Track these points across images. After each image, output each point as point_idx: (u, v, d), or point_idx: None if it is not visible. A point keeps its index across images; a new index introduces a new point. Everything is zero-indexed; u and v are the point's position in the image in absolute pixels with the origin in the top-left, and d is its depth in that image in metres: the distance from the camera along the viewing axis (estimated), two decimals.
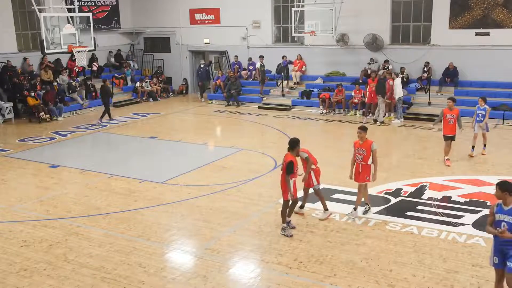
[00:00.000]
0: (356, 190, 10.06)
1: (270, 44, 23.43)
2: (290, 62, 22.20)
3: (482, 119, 13.52)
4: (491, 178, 11.82)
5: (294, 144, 8.91)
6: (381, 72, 19.20)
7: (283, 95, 21.81)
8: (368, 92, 18.65)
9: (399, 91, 17.88)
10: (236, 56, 23.72)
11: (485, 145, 13.87)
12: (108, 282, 7.55)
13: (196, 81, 24.64)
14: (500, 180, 6.23)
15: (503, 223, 6.06)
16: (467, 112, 18.00)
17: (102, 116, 19.41)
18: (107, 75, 24.41)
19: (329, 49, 21.71)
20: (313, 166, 9.64)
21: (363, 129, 9.61)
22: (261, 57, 22.31)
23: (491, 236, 8.59)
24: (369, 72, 20.11)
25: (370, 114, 18.73)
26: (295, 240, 8.80)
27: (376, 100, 18.37)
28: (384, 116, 18.36)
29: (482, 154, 13.77)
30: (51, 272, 7.87)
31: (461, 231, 8.98)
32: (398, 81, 18.03)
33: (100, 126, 18.67)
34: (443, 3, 19.37)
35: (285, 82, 21.99)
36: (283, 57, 22.14)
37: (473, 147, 13.68)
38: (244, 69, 23.70)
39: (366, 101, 18.88)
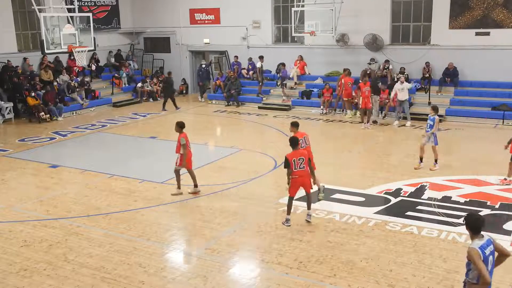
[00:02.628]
0: (357, 190, 10.08)
1: (270, 44, 23.42)
2: (288, 78, 21.96)
3: (429, 130, 12.45)
4: (491, 178, 11.83)
5: (296, 142, 9.50)
6: (379, 72, 18.99)
7: (283, 96, 21.73)
8: (361, 98, 17.45)
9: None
10: (236, 56, 23.71)
11: (436, 161, 12.52)
12: (108, 282, 7.55)
13: (197, 81, 24.61)
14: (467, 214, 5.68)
15: None
16: (466, 112, 18.14)
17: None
18: (107, 75, 24.44)
19: (329, 49, 21.70)
20: (181, 152, 10.98)
21: (291, 124, 10.72)
22: (261, 57, 22.36)
23: (492, 236, 8.63)
24: (368, 72, 20.08)
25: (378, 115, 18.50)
26: (295, 240, 8.81)
27: (371, 106, 17.59)
28: (384, 116, 18.37)
29: (430, 169, 12.43)
30: (51, 272, 7.87)
31: (461, 231, 8.96)
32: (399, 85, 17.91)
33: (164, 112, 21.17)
34: (443, 3, 19.36)
35: (284, 89, 21.78)
36: (283, 65, 22.05)
37: (420, 159, 12.63)
38: (243, 68, 23.67)
39: (360, 107, 17.66)
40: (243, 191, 11.38)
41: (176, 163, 11.00)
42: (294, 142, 9.39)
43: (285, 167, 9.34)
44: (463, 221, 5.57)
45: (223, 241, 8.87)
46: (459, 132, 16.68)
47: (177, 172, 11.07)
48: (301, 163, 9.23)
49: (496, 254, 5.53)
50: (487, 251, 5.34)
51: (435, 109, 12.66)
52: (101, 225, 9.65)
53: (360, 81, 19.61)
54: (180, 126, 11.12)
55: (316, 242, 8.72)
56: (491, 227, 8.94)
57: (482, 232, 5.43)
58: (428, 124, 12.55)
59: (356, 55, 21.08)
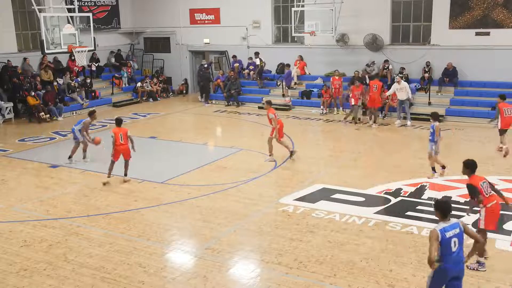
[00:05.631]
0: (357, 190, 10.06)
1: (270, 44, 23.42)
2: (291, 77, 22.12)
3: (431, 137, 11.85)
4: (491, 178, 11.73)
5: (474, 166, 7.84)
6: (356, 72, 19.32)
7: (286, 97, 21.71)
8: (369, 95, 18.02)
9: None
10: (234, 56, 23.73)
11: (433, 169, 11.98)
12: (108, 282, 7.55)
13: (197, 81, 24.59)
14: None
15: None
16: (467, 112, 18.14)
17: (206, 98, 22.98)
18: (107, 75, 24.44)
19: (329, 49, 21.68)
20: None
21: (266, 102, 14.14)
22: (257, 53, 22.71)
23: (492, 236, 8.63)
24: (360, 74, 20.08)
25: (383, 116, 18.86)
26: (295, 240, 8.81)
27: (378, 104, 18.04)
28: (384, 116, 18.40)
29: (428, 178, 11.92)
30: (51, 272, 7.87)
31: None
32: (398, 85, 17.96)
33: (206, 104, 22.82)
34: (443, 3, 19.35)
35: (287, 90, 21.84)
36: (287, 65, 22.10)
37: (443, 167, 12.04)
38: (243, 69, 23.66)
39: (368, 105, 18.24)
40: (243, 191, 11.38)
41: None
42: (473, 166, 7.77)
43: (472, 197, 7.67)
44: (433, 206, 6.04)
45: (223, 241, 8.87)
46: (459, 132, 16.68)
47: (112, 163, 11.99)
48: (487, 186, 7.68)
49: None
50: (449, 234, 5.72)
51: (433, 116, 11.92)
52: (101, 225, 9.65)
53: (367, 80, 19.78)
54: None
55: (316, 242, 8.72)
56: None
57: (453, 219, 5.86)
58: (430, 132, 12.07)
59: (356, 55, 21.06)
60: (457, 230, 5.79)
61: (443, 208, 5.89)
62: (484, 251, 7.70)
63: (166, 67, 26.00)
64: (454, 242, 5.73)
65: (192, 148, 15.62)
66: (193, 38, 25.15)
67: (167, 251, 8.61)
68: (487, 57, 18.72)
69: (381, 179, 11.98)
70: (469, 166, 7.77)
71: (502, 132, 14.02)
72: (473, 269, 7.58)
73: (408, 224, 9.38)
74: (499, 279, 7.44)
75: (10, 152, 15.16)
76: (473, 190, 7.59)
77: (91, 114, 14.01)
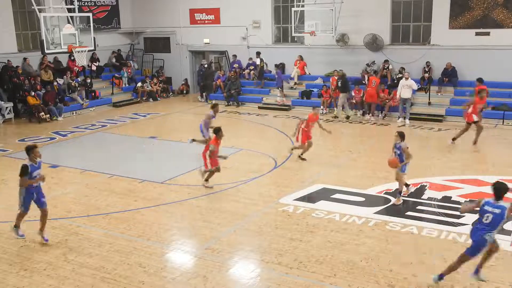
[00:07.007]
0: (357, 190, 10.04)
1: (270, 44, 23.42)
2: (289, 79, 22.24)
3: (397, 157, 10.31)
4: (491, 178, 11.79)
5: None
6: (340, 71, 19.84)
7: (278, 97, 21.68)
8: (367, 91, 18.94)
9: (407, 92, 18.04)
10: (234, 56, 23.74)
11: (400, 193, 10.55)
12: (108, 282, 7.55)
13: (198, 81, 24.58)
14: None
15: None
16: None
17: (206, 97, 22.92)
18: (107, 75, 24.44)
19: (329, 49, 21.68)
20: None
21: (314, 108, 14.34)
22: (258, 53, 22.70)
23: None
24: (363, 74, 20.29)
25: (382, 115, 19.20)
26: (295, 240, 8.81)
27: (375, 99, 18.75)
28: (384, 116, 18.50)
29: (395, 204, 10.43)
30: (51, 272, 7.87)
31: (461, 231, 8.98)
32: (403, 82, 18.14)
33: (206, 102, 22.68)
34: (443, 3, 19.35)
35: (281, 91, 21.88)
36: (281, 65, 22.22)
37: (406, 185, 10.81)
38: (244, 69, 23.66)
39: (365, 100, 19.13)
40: (243, 191, 11.38)
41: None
42: None
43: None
44: (492, 184, 6.89)
45: (223, 241, 8.87)
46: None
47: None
48: None
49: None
50: (488, 208, 6.76)
51: (401, 135, 10.24)
52: (101, 225, 9.65)
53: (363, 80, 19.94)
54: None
55: (316, 242, 8.72)
56: None
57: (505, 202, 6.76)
58: (396, 153, 10.33)
59: (356, 55, 21.06)
60: (497, 211, 6.66)
61: (496, 193, 6.74)
62: None
63: (166, 67, 25.98)
64: (487, 216, 6.76)
65: (192, 148, 15.60)
66: (193, 38, 25.15)
67: (167, 251, 8.61)
68: (487, 57, 18.71)
69: (381, 179, 11.98)
70: None
71: None
72: None
73: (408, 224, 9.39)
74: (499, 279, 7.45)
75: (10, 152, 15.15)
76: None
77: (214, 106, 13.92)
